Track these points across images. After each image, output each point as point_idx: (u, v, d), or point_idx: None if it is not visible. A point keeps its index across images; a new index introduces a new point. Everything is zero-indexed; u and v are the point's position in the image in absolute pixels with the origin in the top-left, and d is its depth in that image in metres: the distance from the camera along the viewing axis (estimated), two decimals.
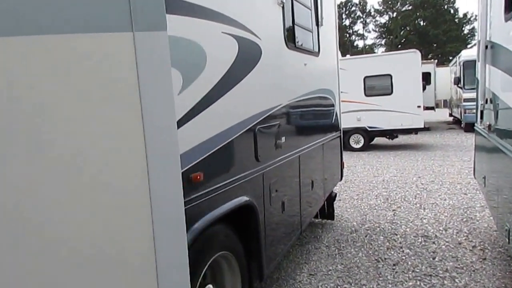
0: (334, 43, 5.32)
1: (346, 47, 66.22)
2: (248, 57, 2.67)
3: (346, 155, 12.91)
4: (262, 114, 2.86)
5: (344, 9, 71.62)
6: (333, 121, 5.24)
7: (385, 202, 6.81)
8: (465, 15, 58.25)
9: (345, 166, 10.73)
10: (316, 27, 4.43)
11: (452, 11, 59.42)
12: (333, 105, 5.18)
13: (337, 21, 5.45)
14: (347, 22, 71.67)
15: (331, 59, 5.17)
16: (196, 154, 2.07)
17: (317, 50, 4.44)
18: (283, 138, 3.29)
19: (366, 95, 13.08)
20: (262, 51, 2.89)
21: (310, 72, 4.17)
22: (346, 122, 13.27)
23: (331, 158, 5.17)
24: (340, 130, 5.63)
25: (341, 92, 13.11)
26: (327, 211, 5.68)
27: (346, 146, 13.52)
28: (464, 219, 5.63)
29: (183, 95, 1.95)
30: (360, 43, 71.49)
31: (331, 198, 5.56)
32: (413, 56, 12.69)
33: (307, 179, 4.08)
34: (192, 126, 2.01)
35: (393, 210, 6.30)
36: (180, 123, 1.90)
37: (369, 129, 13.25)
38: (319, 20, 4.48)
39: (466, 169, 9.16)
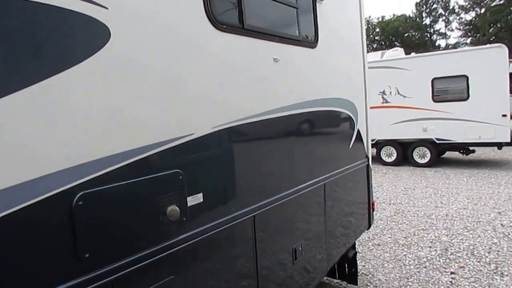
0: (355, 29, 3.58)
1: (427, 47, 61.43)
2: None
3: (408, 171, 10.84)
4: (100, 164, 1.33)
5: (424, 7, 66.70)
6: (350, 147, 3.50)
7: (443, 254, 4.85)
8: None
9: (400, 189, 8.71)
10: (310, 1, 2.77)
11: None
12: (351, 123, 3.45)
13: None
14: (427, 21, 66.71)
15: (347, 54, 3.45)
16: None
17: (312, 38, 2.78)
18: (196, 199, 1.72)
19: (434, 100, 10.83)
20: (112, 33, 1.36)
21: (292, 74, 2.53)
22: (409, 132, 11.23)
23: (345, 202, 3.45)
24: (368, 158, 3.86)
25: (404, 97, 11.29)
26: (347, 270, 3.96)
27: (409, 161, 11.41)
28: None
29: None
30: (442, 43, 66.05)
31: (348, 258, 3.81)
32: (497, 52, 10.11)
33: (281, 250, 2.43)
34: None
35: (452, 272, 4.35)
36: None
37: (437, 141, 10.95)
38: None
39: None
